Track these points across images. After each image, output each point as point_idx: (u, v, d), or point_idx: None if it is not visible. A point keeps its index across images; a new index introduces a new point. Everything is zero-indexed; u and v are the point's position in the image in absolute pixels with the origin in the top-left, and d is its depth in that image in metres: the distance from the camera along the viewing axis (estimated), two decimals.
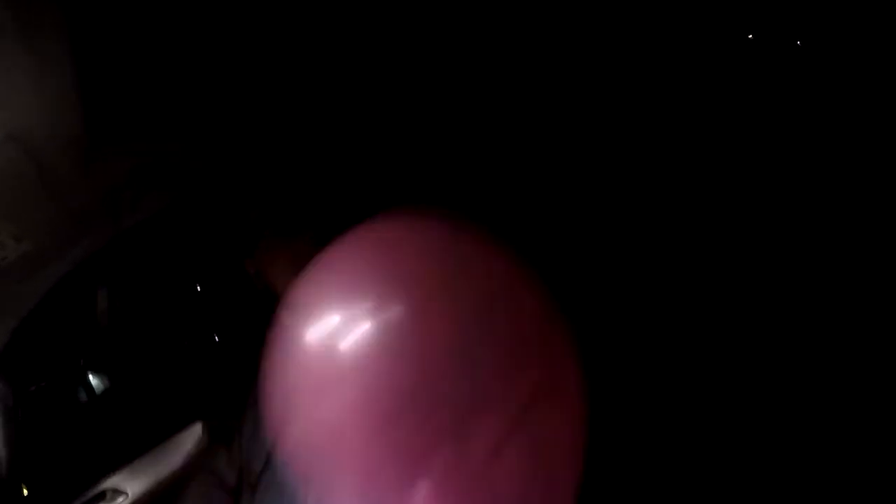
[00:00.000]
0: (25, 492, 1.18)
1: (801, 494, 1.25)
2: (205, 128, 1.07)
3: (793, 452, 1.28)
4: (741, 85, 1.59)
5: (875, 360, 1.32)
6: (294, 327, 0.58)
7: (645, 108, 1.46)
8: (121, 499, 1.08)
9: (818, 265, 1.42)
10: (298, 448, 0.53)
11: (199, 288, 1.25)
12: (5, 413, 1.16)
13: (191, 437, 1.02)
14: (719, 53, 1.58)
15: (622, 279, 1.34)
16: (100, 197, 1.00)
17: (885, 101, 1.48)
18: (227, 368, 1.19)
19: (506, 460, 0.46)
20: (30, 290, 1.04)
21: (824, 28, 1.60)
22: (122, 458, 1.10)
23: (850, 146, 1.49)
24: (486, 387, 0.47)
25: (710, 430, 1.29)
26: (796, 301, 1.40)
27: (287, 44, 1.05)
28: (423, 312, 0.50)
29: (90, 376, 1.44)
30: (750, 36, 1.73)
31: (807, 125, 1.53)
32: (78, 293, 1.27)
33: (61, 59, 0.83)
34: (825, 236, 1.44)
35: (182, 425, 1.06)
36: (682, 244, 1.38)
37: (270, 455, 0.64)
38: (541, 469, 0.50)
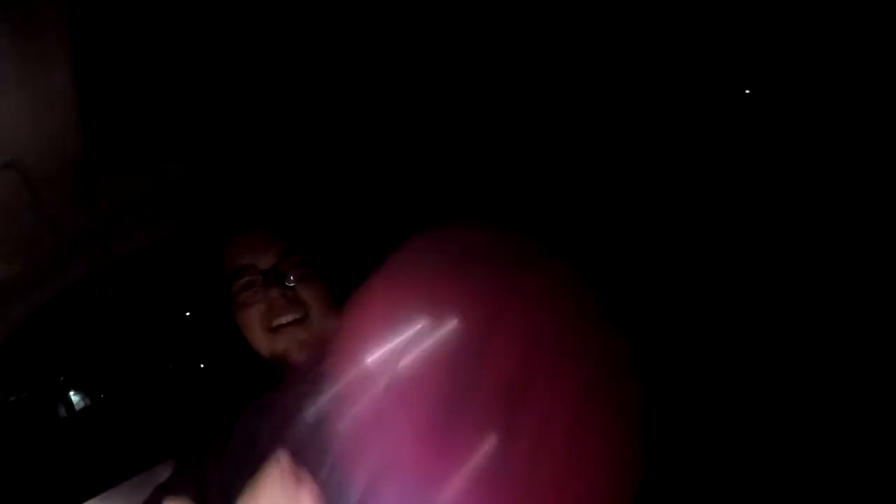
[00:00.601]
0: None
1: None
2: (204, 159, 1.08)
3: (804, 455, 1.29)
4: (738, 139, 1.61)
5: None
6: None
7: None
8: None
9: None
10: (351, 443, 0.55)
11: (187, 314, 1.25)
12: None
13: (166, 472, 1.01)
14: (715, 108, 1.60)
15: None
16: (92, 224, 1.00)
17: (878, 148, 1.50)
18: (208, 397, 1.19)
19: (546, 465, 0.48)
20: (16, 312, 1.03)
21: (819, 82, 1.63)
22: (96, 486, 1.09)
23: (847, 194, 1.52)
24: (530, 391, 0.49)
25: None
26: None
27: (305, 79, 1.06)
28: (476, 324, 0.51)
29: (71, 393, 1.43)
30: (747, 91, 1.76)
31: (801, 183, 1.55)
32: (65, 313, 1.27)
33: (64, 86, 0.83)
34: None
35: (159, 457, 1.05)
36: None
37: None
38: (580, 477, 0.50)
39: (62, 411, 1.44)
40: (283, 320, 1.00)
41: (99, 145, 0.95)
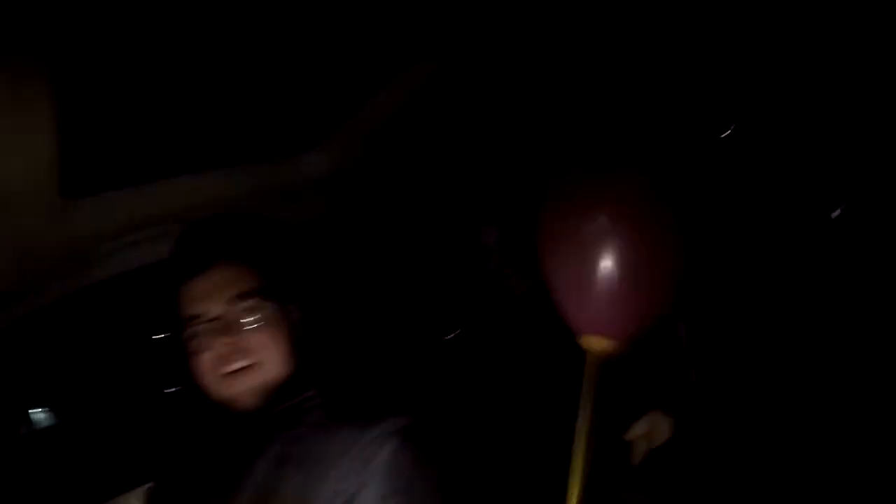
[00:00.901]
0: None
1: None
2: (181, 188, 1.09)
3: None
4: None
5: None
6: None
7: None
8: None
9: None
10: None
11: (156, 337, 1.25)
12: None
13: (135, 500, 1.01)
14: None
15: None
16: (69, 249, 1.01)
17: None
18: (180, 422, 1.18)
19: None
20: None
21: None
22: None
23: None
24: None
25: None
26: None
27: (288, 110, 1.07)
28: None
29: (33, 411, 1.41)
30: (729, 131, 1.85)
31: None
32: (35, 334, 1.26)
33: (44, 116, 0.85)
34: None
35: (127, 484, 1.04)
36: None
37: None
38: None
39: (24, 430, 1.43)
40: (232, 368, 1.00)
41: (77, 173, 0.96)
